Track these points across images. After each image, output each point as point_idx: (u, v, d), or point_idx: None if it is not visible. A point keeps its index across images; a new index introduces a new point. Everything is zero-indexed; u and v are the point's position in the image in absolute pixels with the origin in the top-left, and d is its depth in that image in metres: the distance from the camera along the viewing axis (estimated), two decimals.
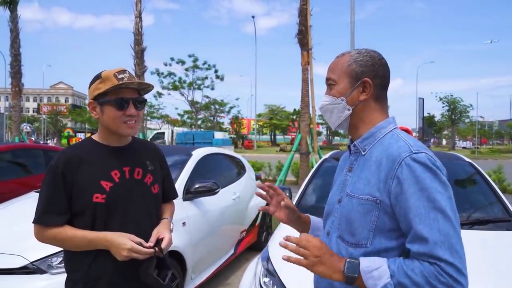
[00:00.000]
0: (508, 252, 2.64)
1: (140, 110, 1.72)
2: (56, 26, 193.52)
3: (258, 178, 6.43)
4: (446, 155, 4.24)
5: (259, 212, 5.75)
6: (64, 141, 51.64)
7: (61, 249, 1.76)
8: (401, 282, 1.09)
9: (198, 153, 4.67)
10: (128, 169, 1.73)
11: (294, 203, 3.42)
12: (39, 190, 1.75)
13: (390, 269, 1.12)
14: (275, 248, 2.83)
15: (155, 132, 38.92)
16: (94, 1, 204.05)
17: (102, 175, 1.66)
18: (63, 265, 2.12)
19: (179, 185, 3.95)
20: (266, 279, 2.57)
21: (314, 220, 1.58)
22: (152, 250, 1.63)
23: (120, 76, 1.64)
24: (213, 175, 4.78)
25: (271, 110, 67.64)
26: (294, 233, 1.51)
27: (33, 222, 1.65)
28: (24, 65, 16.06)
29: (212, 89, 41.36)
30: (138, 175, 1.76)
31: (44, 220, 1.62)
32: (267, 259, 2.69)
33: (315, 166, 4.15)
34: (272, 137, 74.79)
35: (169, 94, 40.39)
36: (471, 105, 56.56)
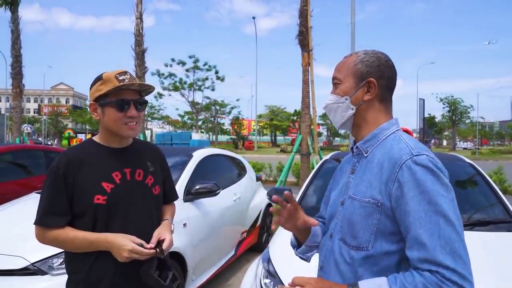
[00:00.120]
0: (509, 253, 2.64)
1: (141, 111, 1.72)
2: (57, 27, 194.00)
3: (258, 179, 6.43)
4: (446, 156, 4.23)
5: (259, 213, 5.75)
6: (64, 142, 51.72)
7: (62, 250, 1.76)
8: None
9: (198, 154, 4.67)
10: (129, 170, 1.73)
11: None
12: (39, 191, 1.75)
13: None
14: (276, 249, 2.83)
15: None
16: (95, 2, 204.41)
17: (103, 176, 1.66)
18: (64, 266, 2.13)
19: (180, 186, 3.95)
20: (267, 280, 2.57)
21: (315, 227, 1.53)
22: (153, 250, 1.63)
23: (121, 78, 1.64)
24: (214, 176, 4.77)
25: (271, 111, 67.63)
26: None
27: (34, 224, 1.65)
28: (25, 66, 16.11)
29: (213, 90, 41.45)
30: (139, 177, 1.76)
31: (45, 221, 1.62)
32: (268, 260, 2.69)
33: (316, 167, 4.15)
34: (273, 138, 74.78)
35: (170, 95, 40.50)
36: (472, 106, 56.71)
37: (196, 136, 32.46)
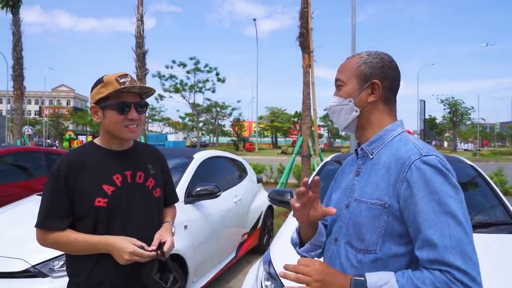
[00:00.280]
0: (511, 255, 2.63)
1: (142, 114, 1.72)
2: (58, 29, 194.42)
3: (259, 181, 6.43)
4: (447, 158, 4.22)
5: (260, 215, 5.75)
6: (65, 143, 51.77)
7: (63, 252, 1.77)
8: None
9: (199, 156, 4.67)
10: (130, 173, 1.73)
11: None
12: (40, 193, 1.75)
13: (399, 283, 1.06)
14: (276, 251, 2.83)
15: None
16: (96, 4, 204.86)
17: (104, 179, 1.67)
18: (64, 268, 2.13)
19: (181, 188, 3.96)
20: (268, 283, 2.56)
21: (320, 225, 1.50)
22: (154, 253, 1.63)
23: (121, 80, 1.64)
24: (215, 178, 4.78)
25: (272, 112, 67.70)
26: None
27: (35, 227, 1.65)
28: (26, 68, 16.12)
29: (214, 91, 41.40)
30: (140, 179, 1.76)
31: (46, 224, 1.62)
32: (269, 263, 2.68)
33: (317, 169, 4.15)
34: (274, 139, 74.82)
35: (171, 96, 40.45)
36: (473, 107, 56.72)
37: (171, 137, 32.88)
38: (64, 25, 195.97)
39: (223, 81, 40.70)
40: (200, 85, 40.28)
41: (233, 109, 51.60)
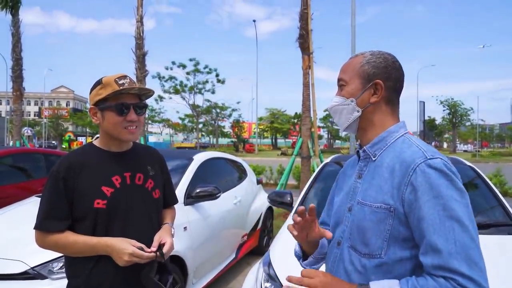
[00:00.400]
0: (511, 256, 2.63)
1: (141, 115, 1.72)
2: (58, 30, 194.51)
3: (259, 182, 6.43)
4: None
5: (260, 216, 5.74)
6: (65, 144, 51.77)
7: (62, 254, 1.76)
8: None
9: (199, 158, 4.67)
10: (129, 174, 1.73)
11: (295, 207, 3.41)
12: (39, 194, 1.75)
13: None
14: (276, 252, 2.83)
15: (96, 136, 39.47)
16: (96, 5, 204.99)
17: (103, 180, 1.66)
18: (64, 270, 2.12)
19: (180, 189, 3.95)
20: (268, 284, 2.56)
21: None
22: (153, 254, 1.63)
23: (120, 82, 1.64)
24: (214, 180, 4.77)
25: (272, 113, 67.69)
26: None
27: (34, 228, 1.65)
28: (25, 69, 16.09)
29: (213, 93, 41.37)
30: (139, 181, 1.76)
31: (45, 226, 1.62)
32: (269, 264, 2.68)
33: (317, 170, 4.14)
34: (273, 140, 74.82)
35: (170, 98, 40.42)
36: (472, 109, 56.79)
37: (152, 138, 33.10)
38: (64, 26, 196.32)
39: (222, 82, 40.70)
40: (200, 86, 40.29)
41: (233, 110, 51.67)
